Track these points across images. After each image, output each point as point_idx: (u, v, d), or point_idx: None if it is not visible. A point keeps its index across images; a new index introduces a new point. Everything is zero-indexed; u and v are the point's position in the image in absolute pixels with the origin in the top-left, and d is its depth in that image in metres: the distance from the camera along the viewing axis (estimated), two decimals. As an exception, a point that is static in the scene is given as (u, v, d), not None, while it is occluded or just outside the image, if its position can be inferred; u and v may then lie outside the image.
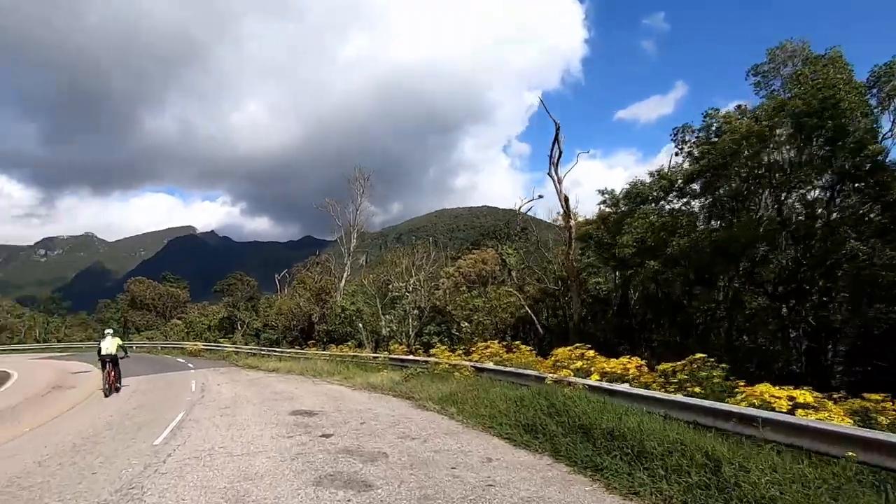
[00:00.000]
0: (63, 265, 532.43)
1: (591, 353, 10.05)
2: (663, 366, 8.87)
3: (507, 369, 11.26)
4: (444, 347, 15.37)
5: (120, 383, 16.21)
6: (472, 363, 12.66)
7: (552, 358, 10.75)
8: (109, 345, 15.60)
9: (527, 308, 19.29)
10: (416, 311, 23.75)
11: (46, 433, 10.21)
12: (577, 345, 10.41)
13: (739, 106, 15.05)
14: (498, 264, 23.00)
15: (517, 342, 14.11)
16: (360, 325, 25.77)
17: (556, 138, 18.27)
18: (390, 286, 25.48)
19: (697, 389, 8.00)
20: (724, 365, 8.45)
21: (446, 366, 12.73)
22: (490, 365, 12.37)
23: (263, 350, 26.22)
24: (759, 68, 16.08)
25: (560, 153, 18.43)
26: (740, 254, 12.25)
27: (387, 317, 25.00)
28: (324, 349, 23.91)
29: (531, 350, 12.95)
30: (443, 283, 23.79)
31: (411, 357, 15.56)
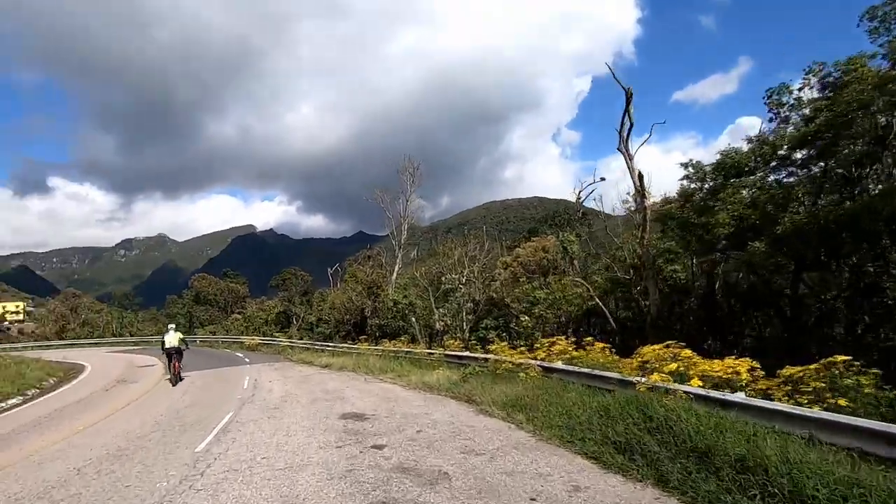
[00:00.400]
0: (140, 264, 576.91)
1: (688, 352, 8.38)
2: (788, 370, 7.10)
3: (583, 370, 9.76)
4: (504, 343, 14.03)
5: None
6: (538, 362, 11.25)
7: (637, 357, 9.14)
8: (173, 338, 16.88)
9: (597, 300, 17.34)
10: (470, 304, 22.52)
11: (97, 433, 9.92)
12: (669, 343, 8.73)
13: (856, 55, 12.45)
14: (559, 252, 21.16)
15: (589, 338, 12.47)
16: (413, 319, 24.90)
17: (627, 108, 16.16)
18: (443, 278, 24.42)
19: (843, 402, 6.23)
20: (874, 371, 6.60)
21: (509, 365, 11.36)
22: (560, 364, 10.91)
23: (317, 345, 26.02)
24: (875, 11, 13.38)
25: (631, 125, 16.31)
26: (880, 230, 9.93)
27: (440, 310, 23.99)
28: (376, 344, 23.26)
29: (606, 347, 11.34)
30: (499, 274, 22.31)
31: (469, 354, 14.31)
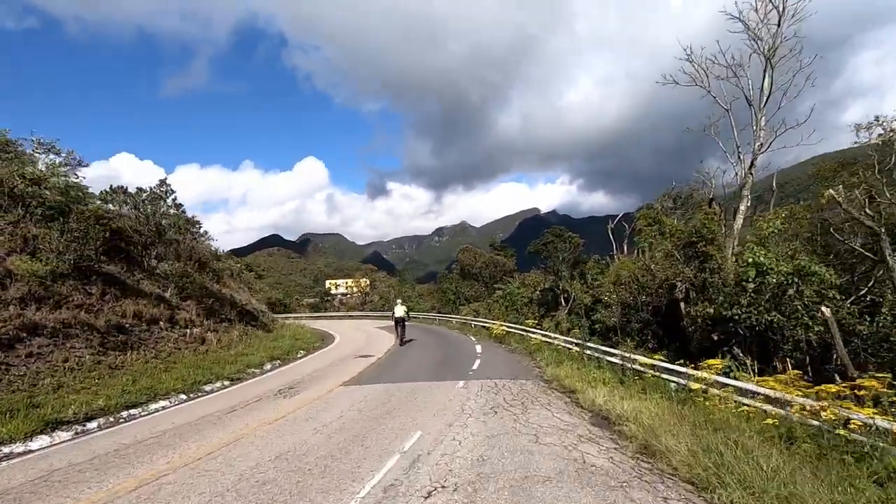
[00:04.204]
0: (449, 248, 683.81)
1: None
2: None
3: None
4: None
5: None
6: None
7: None
8: (399, 311, 21.40)
9: None
10: None
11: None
12: None
13: None
14: None
15: None
16: (829, 313, 10.18)
17: None
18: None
19: None
20: None
21: None
22: None
23: (588, 348, 14.16)
24: None
25: None
26: None
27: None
28: (729, 365, 9.76)
29: None
30: None
31: None
